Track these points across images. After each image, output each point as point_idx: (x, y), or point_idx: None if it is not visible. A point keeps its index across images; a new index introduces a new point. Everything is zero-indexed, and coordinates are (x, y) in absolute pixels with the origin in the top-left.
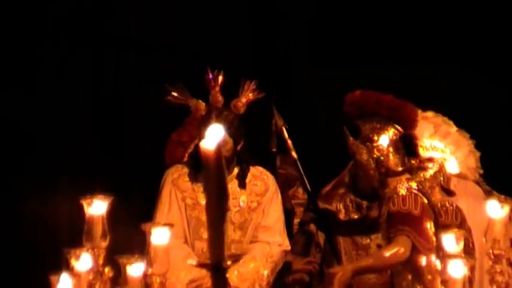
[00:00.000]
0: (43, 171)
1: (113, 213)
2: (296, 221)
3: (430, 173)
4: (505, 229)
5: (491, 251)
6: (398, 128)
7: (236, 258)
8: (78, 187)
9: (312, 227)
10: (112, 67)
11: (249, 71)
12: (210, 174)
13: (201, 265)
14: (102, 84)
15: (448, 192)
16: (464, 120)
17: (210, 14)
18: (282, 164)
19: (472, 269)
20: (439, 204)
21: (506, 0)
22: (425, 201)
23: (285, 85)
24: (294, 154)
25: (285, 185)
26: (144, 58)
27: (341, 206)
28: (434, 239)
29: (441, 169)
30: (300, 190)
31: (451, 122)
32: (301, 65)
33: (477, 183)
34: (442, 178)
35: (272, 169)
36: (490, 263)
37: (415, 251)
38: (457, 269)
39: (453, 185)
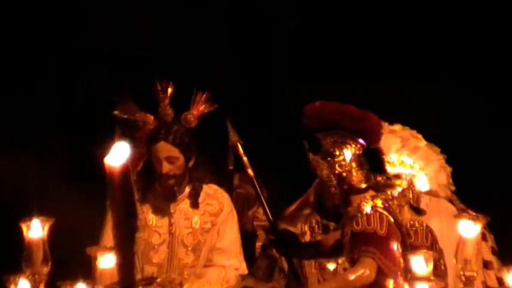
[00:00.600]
0: None
1: (55, 236)
2: (258, 244)
3: (397, 190)
4: (477, 249)
5: (462, 272)
6: (362, 141)
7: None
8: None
9: (275, 250)
10: (82, 79)
11: (205, 83)
12: (115, 192)
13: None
14: (72, 96)
15: (418, 211)
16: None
17: (187, 26)
18: (241, 183)
19: None
20: (408, 224)
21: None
22: (392, 220)
23: (264, 99)
24: (250, 172)
25: (244, 206)
26: (115, 70)
27: (306, 228)
28: (401, 260)
29: (410, 186)
30: (261, 211)
31: (420, 136)
32: (283, 79)
33: (450, 200)
34: (411, 196)
35: (229, 188)
36: (461, 285)
37: (381, 273)
38: None
39: (424, 203)
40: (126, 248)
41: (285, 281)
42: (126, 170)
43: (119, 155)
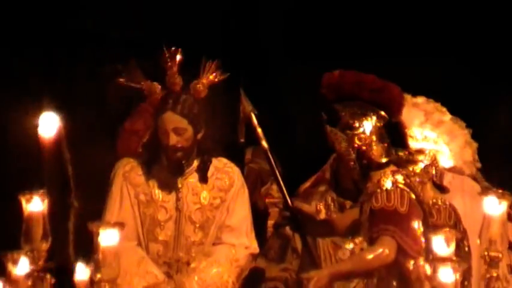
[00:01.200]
0: None
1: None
2: (270, 222)
3: (420, 166)
4: (503, 228)
5: (486, 253)
6: (382, 113)
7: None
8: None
9: (288, 229)
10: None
11: (215, 51)
12: (46, 164)
13: None
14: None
15: (441, 189)
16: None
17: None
18: (254, 157)
19: (467, 275)
20: (430, 202)
21: None
22: (413, 197)
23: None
24: (264, 144)
25: (257, 182)
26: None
27: (321, 206)
28: (423, 240)
29: (433, 162)
30: (274, 187)
31: (445, 109)
32: (278, 55)
33: (474, 178)
34: (434, 172)
35: (240, 162)
36: (485, 266)
37: (401, 253)
38: (448, 274)
39: (447, 181)
40: (61, 223)
41: (298, 261)
42: (57, 141)
43: (49, 126)
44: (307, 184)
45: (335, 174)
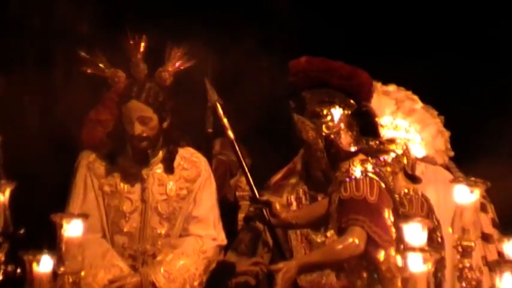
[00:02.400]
0: None
1: (17, 202)
2: (240, 216)
3: (391, 156)
4: (475, 218)
5: (458, 242)
6: (351, 101)
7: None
8: None
9: (258, 222)
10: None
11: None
12: None
13: None
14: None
15: (413, 179)
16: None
17: None
18: (223, 149)
19: (440, 267)
20: (402, 192)
21: None
22: (383, 186)
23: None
24: (230, 134)
25: (226, 174)
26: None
27: (292, 198)
28: (393, 230)
29: (405, 152)
30: (244, 179)
31: (416, 97)
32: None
33: (447, 168)
34: (406, 162)
35: (207, 153)
36: (458, 256)
37: (371, 244)
38: (420, 264)
39: (420, 171)
40: None
41: (269, 255)
42: None
43: None
44: (278, 176)
45: (306, 166)
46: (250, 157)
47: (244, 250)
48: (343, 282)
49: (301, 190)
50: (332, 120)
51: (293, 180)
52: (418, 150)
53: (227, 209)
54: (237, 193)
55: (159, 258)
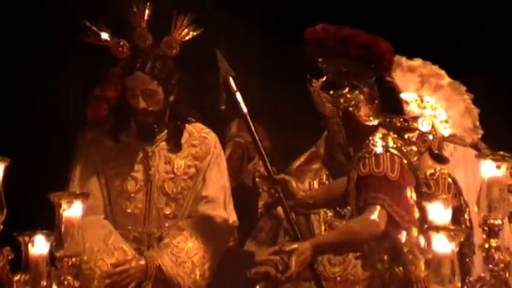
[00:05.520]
0: None
1: (12, 180)
2: (260, 203)
3: (416, 134)
4: (503, 194)
5: (484, 220)
6: (371, 71)
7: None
8: None
9: (280, 210)
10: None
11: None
12: None
13: None
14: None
15: (440, 159)
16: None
17: None
18: (240, 130)
19: (469, 252)
20: (427, 173)
21: None
22: (405, 162)
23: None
24: (243, 108)
25: (243, 157)
26: None
27: (315, 184)
28: (416, 209)
29: (431, 130)
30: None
31: (443, 72)
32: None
33: (476, 147)
34: (432, 141)
35: (220, 131)
36: (484, 236)
37: (392, 224)
38: (444, 244)
39: (449, 152)
40: None
41: None
42: None
43: None
44: (301, 161)
45: (330, 150)
46: (269, 140)
47: (264, 239)
48: (368, 273)
49: (324, 175)
50: (350, 91)
51: (316, 165)
52: (445, 129)
53: (245, 195)
54: (257, 179)
55: (165, 240)
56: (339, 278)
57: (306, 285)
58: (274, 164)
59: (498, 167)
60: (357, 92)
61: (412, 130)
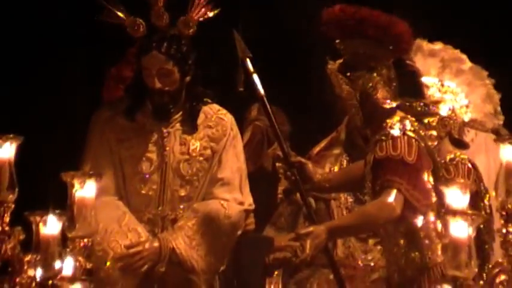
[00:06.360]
0: None
1: (23, 159)
2: (280, 188)
3: (437, 118)
4: None
5: (502, 205)
6: (389, 53)
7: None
8: None
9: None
10: None
11: None
12: None
13: None
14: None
15: (460, 144)
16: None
17: None
18: (260, 114)
19: (488, 238)
20: (447, 158)
21: None
22: (423, 145)
23: None
24: (260, 90)
25: (263, 141)
26: None
27: (336, 169)
28: (433, 193)
29: (451, 115)
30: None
31: (465, 57)
32: None
33: (497, 133)
34: (452, 126)
35: (238, 114)
36: (502, 221)
37: (408, 208)
38: (462, 229)
39: (470, 138)
40: None
41: None
42: None
43: None
44: (321, 146)
45: (350, 135)
46: (290, 125)
47: (283, 224)
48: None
49: (345, 161)
50: (368, 73)
51: (336, 151)
52: (466, 114)
53: (265, 180)
54: (277, 164)
55: (180, 223)
56: (361, 265)
57: (325, 271)
58: (295, 150)
59: None
60: (374, 73)
61: (433, 115)
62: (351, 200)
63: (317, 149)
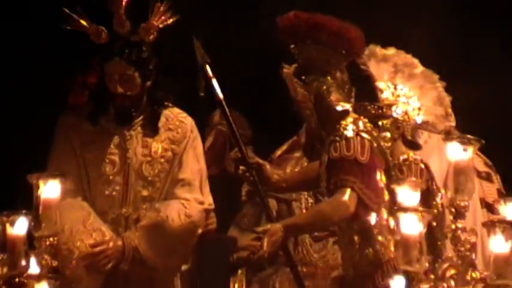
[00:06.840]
0: None
1: None
2: (243, 190)
3: (390, 120)
4: (470, 177)
5: (451, 202)
6: (342, 57)
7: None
8: None
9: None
10: None
11: None
12: None
13: None
14: None
15: (413, 145)
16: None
17: None
18: (222, 119)
19: (440, 236)
20: (400, 159)
21: None
22: (375, 145)
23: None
24: (219, 94)
25: (225, 145)
26: None
27: None
28: (385, 192)
29: (404, 117)
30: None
31: (416, 61)
32: None
33: (448, 134)
34: (405, 128)
35: (201, 119)
36: (451, 217)
37: (362, 206)
38: (413, 225)
39: (423, 140)
40: None
41: None
42: None
43: None
44: (282, 149)
45: (310, 139)
46: (252, 130)
47: (247, 225)
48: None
49: (305, 164)
50: (321, 76)
51: (297, 154)
52: (418, 116)
53: (228, 182)
54: (241, 168)
55: (142, 222)
56: (319, 264)
57: (287, 270)
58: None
59: (465, 150)
60: (328, 77)
61: (386, 117)
62: (311, 201)
63: (279, 152)
